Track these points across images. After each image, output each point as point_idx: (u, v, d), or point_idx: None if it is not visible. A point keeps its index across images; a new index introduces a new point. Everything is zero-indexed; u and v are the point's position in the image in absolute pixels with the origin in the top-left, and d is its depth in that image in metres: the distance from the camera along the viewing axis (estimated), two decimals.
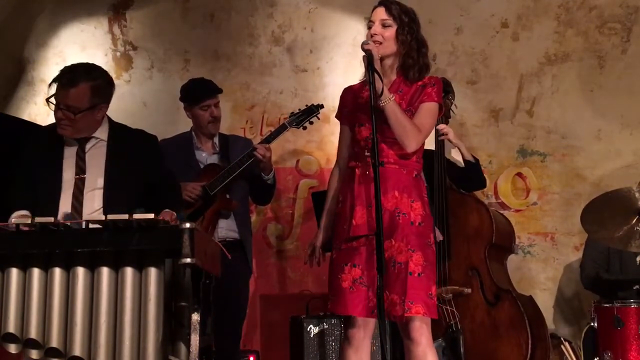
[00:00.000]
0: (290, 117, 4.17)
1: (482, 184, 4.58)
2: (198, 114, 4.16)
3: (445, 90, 4.61)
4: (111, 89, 3.25)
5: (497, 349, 4.07)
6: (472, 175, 4.43)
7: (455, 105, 4.63)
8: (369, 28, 3.08)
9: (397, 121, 2.94)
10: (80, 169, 3.13)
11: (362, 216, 2.97)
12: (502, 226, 4.39)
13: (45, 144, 3.21)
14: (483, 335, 4.10)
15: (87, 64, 3.28)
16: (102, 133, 3.22)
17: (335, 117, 3.29)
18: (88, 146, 3.19)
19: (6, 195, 3.14)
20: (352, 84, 3.27)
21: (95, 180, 3.12)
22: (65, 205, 3.07)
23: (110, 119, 3.29)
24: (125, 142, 3.22)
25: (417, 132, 2.99)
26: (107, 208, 3.03)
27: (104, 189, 3.10)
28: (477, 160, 4.46)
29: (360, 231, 2.96)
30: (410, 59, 3.07)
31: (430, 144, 4.45)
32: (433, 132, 4.32)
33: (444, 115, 4.54)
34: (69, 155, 3.17)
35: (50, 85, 3.13)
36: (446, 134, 4.31)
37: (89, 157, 3.17)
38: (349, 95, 3.21)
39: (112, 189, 3.10)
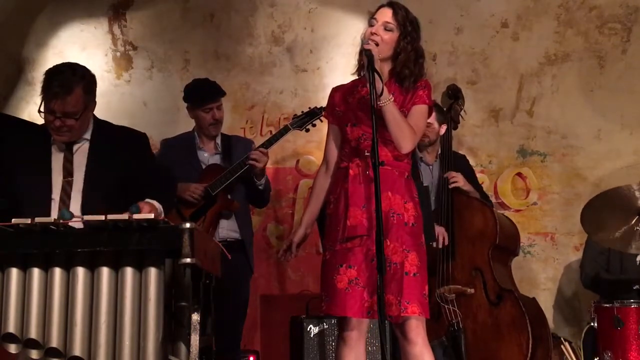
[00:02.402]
0: (293, 119, 4.18)
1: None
2: (200, 116, 4.16)
3: (455, 96, 4.63)
4: (96, 83, 3.17)
5: (499, 349, 4.07)
6: None
7: (464, 111, 4.63)
8: (370, 25, 3.06)
9: (395, 122, 2.93)
10: (68, 172, 3.08)
11: (356, 216, 2.96)
12: (506, 228, 4.39)
13: (33, 146, 3.14)
14: (485, 335, 4.10)
15: (70, 65, 3.14)
16: (88, 133, 3.16)
17: (323, 115, 3.27)
18: (75, 147, 3.13)
19: None
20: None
21: (82, 183, 3.06)
22: (53, 208, 3.01)
23: (95, 117, 3.21)
24: (108, 140, 3.15)
25: (413, 134, 2.98)
26: (84, 208, 2.97)
27: (82, 189, 3.04)
28: (491, 202, 4.50)
29: (356, 232, 2.94)
30: (407, 69, 3.04)
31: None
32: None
33: (453, 121, 4.55)
34: (57, 157, 3.11)
35: (43, 94, 3.03)
36: (456, 182, 4.31)
37: (76, 158, 3.11)
38: (338, 94, 3.18)
39: (90, 190, 3.04)
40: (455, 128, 4.64)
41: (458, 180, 4.31)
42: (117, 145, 3.13)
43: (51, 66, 3.12)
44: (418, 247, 3.00)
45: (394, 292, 2.89)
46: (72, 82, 3.01)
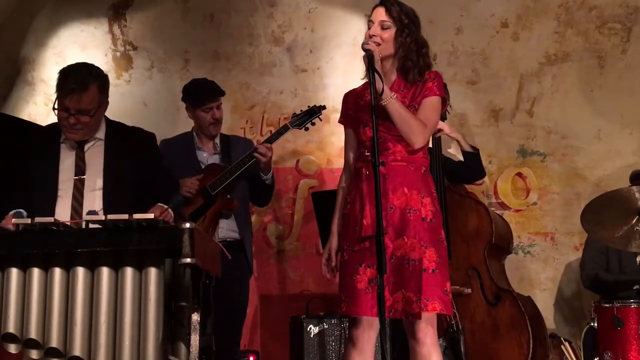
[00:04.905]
0: (292, 117, 4.17)
1: (481, 174, 4.58)
2: (199, 116, 4.15)
3: None
4: (109, 83, 3.24)
5: (498, 349, 4.07)
6: (472, 165, 4.43)
7: (450, 106, 4.63)
8: (369, 28, 3.07)
9: (401, 119, 2.94)
10: (80, 170, 3.11)
11: (372, 215, 2.94)
12: (500, 227, 4.40)
13: (43, 145, 3.18)
14: (483, 336, 4.10)
15: (85, 64, 3.23)
16: (100, 132, 3.20)
17: (339, 122, 3.27)
18: (87, 146, 3.17)
19: (3, 196, 3.12)
20: (352, 84, 3.27)
21: (95, 181, 3.10)
22: (64, 206, 3.04)
23: (106, 117, 3.26)
24: (122, 140, 3.20)
25: (423, 128, 2.98)
26: (107, 209, 3.01)
27: (103, 190, 3.08)
28: (477, 150, 4.46)
29: (372, 231, 2.93)
30: (409, 61, 3.05)
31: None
32: None
33: None
34: (68, 155, 3.15)
35: (58, 92, 3.08)
36: (441, 130, 4.30)
37: (88, 157, 3.15)
38: (351, 98, 3.21)
39: (111, 189, 3.09)
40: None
41: (442, 127, 4.30)
42: (131, 146, 3.18)
43: (65, 66, 3.18)
44: (437, 242, 2.98)
45: (413, 289, 2.87)
46: (88, 79, 3.07)
